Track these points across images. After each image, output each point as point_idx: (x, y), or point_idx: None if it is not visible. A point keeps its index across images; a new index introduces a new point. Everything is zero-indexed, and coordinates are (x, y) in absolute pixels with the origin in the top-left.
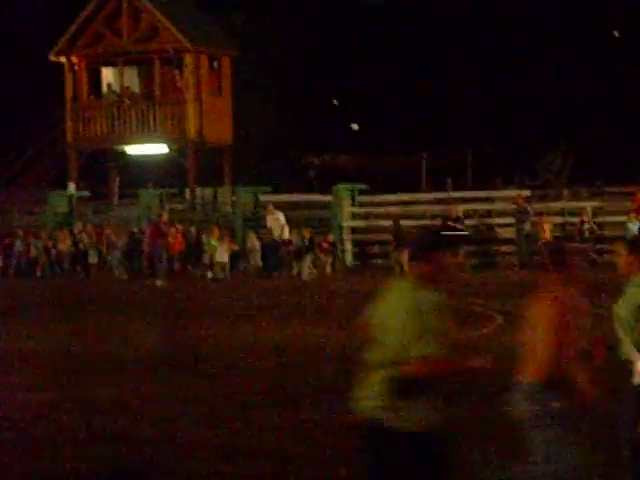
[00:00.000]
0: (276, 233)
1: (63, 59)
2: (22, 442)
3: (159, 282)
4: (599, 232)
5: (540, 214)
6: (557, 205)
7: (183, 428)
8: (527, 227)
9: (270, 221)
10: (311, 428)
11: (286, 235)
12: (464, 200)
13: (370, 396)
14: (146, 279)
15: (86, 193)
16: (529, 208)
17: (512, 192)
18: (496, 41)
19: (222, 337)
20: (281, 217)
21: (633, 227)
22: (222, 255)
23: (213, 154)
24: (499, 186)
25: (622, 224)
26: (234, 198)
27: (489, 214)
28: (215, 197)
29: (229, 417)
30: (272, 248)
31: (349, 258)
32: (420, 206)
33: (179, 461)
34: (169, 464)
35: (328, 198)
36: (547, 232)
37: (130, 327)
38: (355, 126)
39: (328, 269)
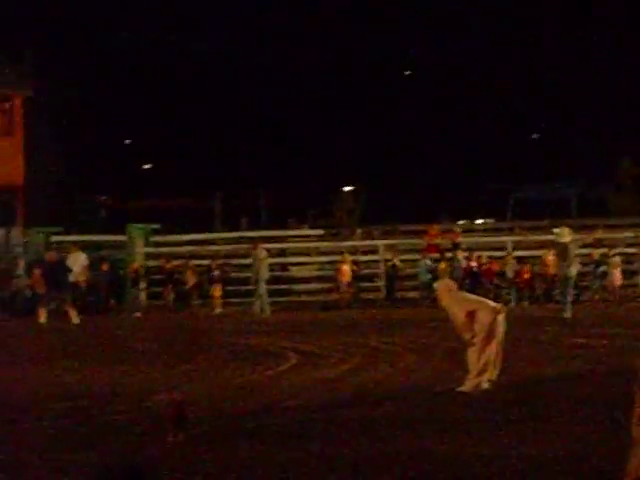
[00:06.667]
0: (76, 272)
1: None
2: None
3: None
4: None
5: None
6: (349, 243)
7: None
8: None
9: (71, 261)
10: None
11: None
12: (259, 239)
13: None
14: None
15: None
16: None
17: (305, 231)
18: (295, 88)
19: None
20: (83, 257)
21: (424, 265)
22: None
23: (4, 195)
24: (292, 226)
25: (415, 261)
26: (26, 239)
27: (283, 253)
28: (7, 238)
29: None
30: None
31: (143, 297)
32: (214, 246)
33: None
34: None
35: (121, 238)
36: (346, 275)
37: None
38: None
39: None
